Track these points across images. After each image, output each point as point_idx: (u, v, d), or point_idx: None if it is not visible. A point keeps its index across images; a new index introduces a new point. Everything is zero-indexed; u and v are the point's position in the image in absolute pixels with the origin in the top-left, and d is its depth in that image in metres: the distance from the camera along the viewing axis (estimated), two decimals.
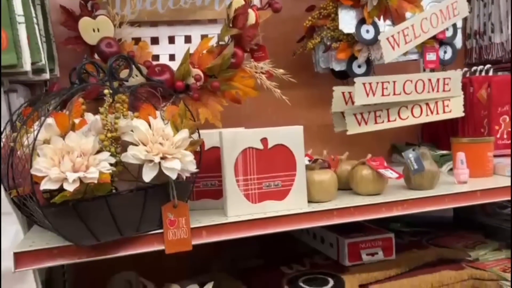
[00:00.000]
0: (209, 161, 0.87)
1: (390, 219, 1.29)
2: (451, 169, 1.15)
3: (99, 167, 0.63)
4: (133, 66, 0.82)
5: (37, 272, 0.88)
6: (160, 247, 0.74)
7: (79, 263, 1.17)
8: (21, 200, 0.72)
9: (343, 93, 1.11)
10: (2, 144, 0.78)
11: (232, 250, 1.19)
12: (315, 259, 1.11)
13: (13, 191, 0.70)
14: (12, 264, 0.79)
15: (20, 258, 0.67)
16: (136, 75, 0.94)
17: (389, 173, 0.91)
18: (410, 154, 0.95)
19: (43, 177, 0.61)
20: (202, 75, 0.97)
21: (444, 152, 1.21)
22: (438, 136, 1.32)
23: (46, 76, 0.95)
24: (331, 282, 0.95)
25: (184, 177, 0.74)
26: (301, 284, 0.95)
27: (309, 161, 0.96)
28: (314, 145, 1.12)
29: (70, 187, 0.60)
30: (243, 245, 1.21)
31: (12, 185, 0.70)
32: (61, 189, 0.62)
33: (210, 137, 0.88)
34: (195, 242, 0.76)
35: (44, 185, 0.60)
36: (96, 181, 0.62)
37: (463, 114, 1.16)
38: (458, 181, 1.00)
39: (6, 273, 0.82)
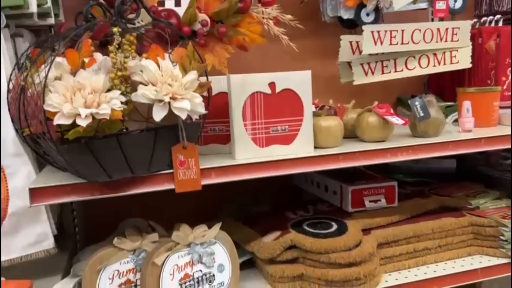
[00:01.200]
0: (216, 106, 0.88)
1: (393, 171, 1.32)
2: (456, 120, 1.16)
3: (111, 105, 0.64)
4: (140, 9, 0.81)
5: (50, 214, 0.90)
6: (171, 187, 0.76)
7: (89, 210, 1.21)
8: (34, 139, 0.73)
9: (350, 42, 1.10)
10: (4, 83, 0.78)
11: (239, 199, 1.23)
12: (318, 206, 1.14)
13: (26, 129, 0.71)
14: (26, 203, 0.81)
15: (36, 193, 0.69)
16: (142, 20, 0.93)
17: (395, 120, 0.91)
18: (417, 102, 0.95)
19: (55, 113, 0.62)
20: (208, 20, 0.96)
21: (450, 103, 1.21)
22: (444, 88, 1.31)
23: (51, 20, 0.95)
24: (335, 226, 0.98)
25: (193, 119, 0.75)
26: (305, 227, 0.98)
27: (316, 108, 0.97)
28: (320, 96, 1.12)
29: (83, 123, 0.61)
30: (249, 194, 1.24)
31: (25, 124, 0.71)
32: (73, 127, 0.64)
33: (217, 82, 0.89)
34: (204, 182, 0.78)
35: (58, 120, 0.61)
36: (108, 118, 0.63)
37: (470, 65, 1.15)
38: (463, 130, 1.00)
39: (19, 213, 0.85)
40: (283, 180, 1.34)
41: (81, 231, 1.20)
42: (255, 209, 1.16)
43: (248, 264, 1.03)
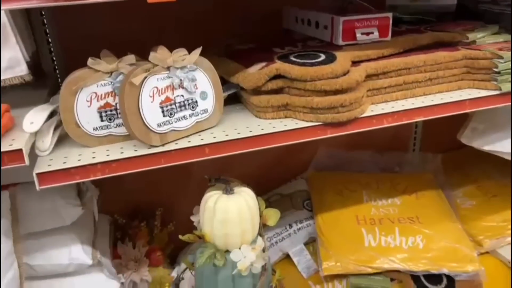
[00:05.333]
0: None
1: (390, 10, 1.23)
2: None
3: None
4: None
5: (19, 39, 0.85)
6: None
7: (69, 51, 1.15)
8: None
9: None
10: None
11: (226, 41, 1.17)
12: (308, 42, 1.09)
13: None
14: None
15: None
16: None
17: None
18: None
19: None
20: None
21: None
22: None
23: None
24: (323, 56, 0.93)
25: None
26: (292, 58, 0.93)
27: None
28: None
29: None
30: (235, 38, 1.18)
31: None
32: None
33: None
34: None
35: None
36: None
37: None
38: None
39: None
40: (273, 22, 1.27)
41: (62, 72, 1.16)
42: (241, 46, 1.11)
43: (234, 100, 1.01)
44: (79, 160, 0.77)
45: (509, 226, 1.29)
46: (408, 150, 1.66)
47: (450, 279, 1.15)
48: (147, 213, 1.34)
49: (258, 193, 1.01)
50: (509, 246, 1.28)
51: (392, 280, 1.17)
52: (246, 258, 0.91)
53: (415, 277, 1.15)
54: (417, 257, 1.16)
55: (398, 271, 1.16)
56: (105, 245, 1.13)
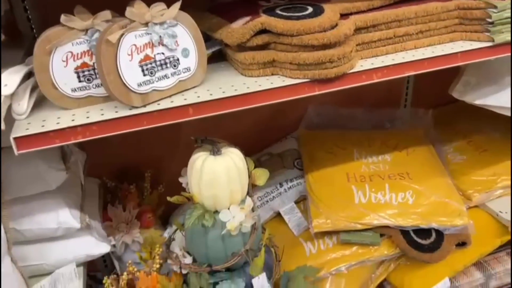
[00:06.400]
0: None
1: None
2: None
3: None
4: None
5: None
6: None
7: (46, 8, 1.09)
8: None
9: None
10: None
11: None
12: None
13: None
14: None
15: None
16: None
17: None
18: None
19: None
20: None
21: None
22: None
23: None
24: (310, 9, 0.89)
25: None
26: (278, 11, 0.89)
27: None
28: None
29: None
30: None
31: None
32: None
33: None
34: None
35: None
36: None
37: None
38: None
39: None
40: None
41: (39, 31, 1.10)
42: (224, 0, 1.06)
43: (218, 58, 0.98)
44: (58, 123, 0.74)
45: (498, 180, 1.30)
46: (400, 106, 1.64)
47: (439, 233, 1.16)
48: (137, 175, 1.33)
49: (249, 153, 1.00)
50: (498, 199, 1.29)
51: (381, 235, 1.18)
52: (235, 218, 0.91)
53: (404, 232, 1.16)
54: (406, 212, 1.17)
55: (387, 227, 1.16)
56: (95, 208, 1.13)
